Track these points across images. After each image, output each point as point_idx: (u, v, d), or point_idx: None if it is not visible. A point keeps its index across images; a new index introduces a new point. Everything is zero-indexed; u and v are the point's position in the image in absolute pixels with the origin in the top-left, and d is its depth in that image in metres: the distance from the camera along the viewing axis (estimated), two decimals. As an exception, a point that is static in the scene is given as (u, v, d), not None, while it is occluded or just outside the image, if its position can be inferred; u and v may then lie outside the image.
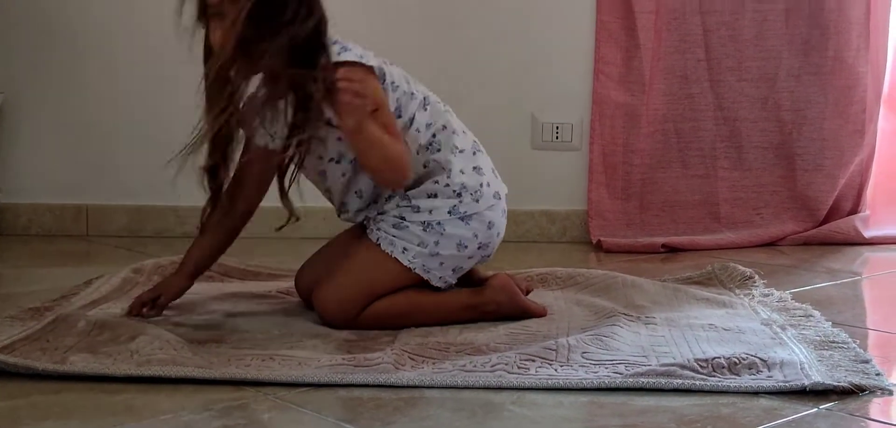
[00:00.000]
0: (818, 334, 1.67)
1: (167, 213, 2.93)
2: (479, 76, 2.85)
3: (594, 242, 2.78)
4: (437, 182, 1.75)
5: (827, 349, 1.58)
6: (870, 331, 1.84)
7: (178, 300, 1.84)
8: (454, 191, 1.75)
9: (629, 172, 2.84)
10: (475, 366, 1.49)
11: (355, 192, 1.80)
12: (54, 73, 2.93)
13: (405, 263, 1.74)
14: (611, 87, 2.83)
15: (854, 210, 2.85)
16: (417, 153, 1.76)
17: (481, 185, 1.77)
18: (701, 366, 1.46)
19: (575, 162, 2.86)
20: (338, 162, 1.77)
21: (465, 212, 1.75)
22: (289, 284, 2.06)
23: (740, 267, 2.16)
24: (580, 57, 2.84)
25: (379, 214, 1.79)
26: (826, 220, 2.83)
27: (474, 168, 1.78)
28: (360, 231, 1.85)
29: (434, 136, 1.77)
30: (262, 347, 1.60)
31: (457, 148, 1.77)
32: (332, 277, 1.77)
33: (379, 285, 1.74)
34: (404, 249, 1.74)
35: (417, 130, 1.76)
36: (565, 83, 2.87)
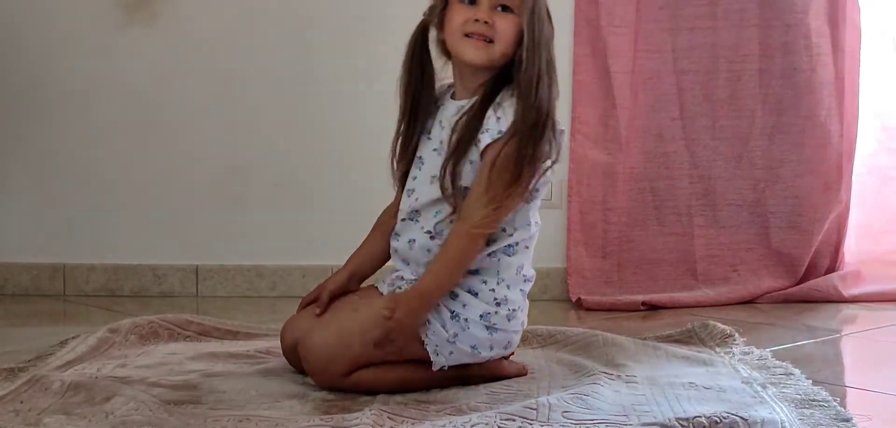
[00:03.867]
0: (799, 393, 1.67)
1: (145, 271, 2.91)
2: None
3: (574, 300, 2.79)
4: (485, 283, 1.70)
5: (808, 408, 1.58)
6: (849, 389, 1.84)
7: (153, 361, 1.81)
8: (495, 299, 1.70)
9: (607, 230, 2.85)
10: (455, 426, 1.48)
11: (428, 233, 1.71)
12: (29, 130, 2.92)
13: (422, 336, 1.67)
14: (588, 147, 2.85)
15: (832, 268, 2.88)
16: (492, 242, 1.69)
17: (518, 309, 1.73)
18: (682, 424, 1.45)
19: (554, 220, 2.86)
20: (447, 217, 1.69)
21: (495, 324, 1.70)
22: (267, 343, 2.04)
23: (720, 325, 2.16)
24: (559, 116, 2.86)
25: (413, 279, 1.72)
26: (804, 277, 2.85)
27: (520, 290, 1.74)
28: (371, 293, 1.80)
29: (517, 243, 1.72)
30: (238, 408, 1.58)
31: (521, 266, 1.73)
32: (327, 325, 1.70)
33: (370, 348, 1.65)
34: (427, 322, 1.67)
35: (514, 227, 1.71)
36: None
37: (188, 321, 2.21)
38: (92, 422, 1.48)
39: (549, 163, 1.68)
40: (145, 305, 2.70)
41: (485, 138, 1.65)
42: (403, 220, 1.76)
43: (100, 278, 2.91)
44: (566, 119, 2.87)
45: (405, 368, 1.69)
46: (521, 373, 1.81)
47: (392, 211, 1.84)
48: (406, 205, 1.76)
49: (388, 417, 1.53)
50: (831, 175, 2.86)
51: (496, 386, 1.73)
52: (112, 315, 2.44)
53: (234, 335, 2.19)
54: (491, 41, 1.68)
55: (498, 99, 1.68)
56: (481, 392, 1.69)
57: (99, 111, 2.91)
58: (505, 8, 1.68)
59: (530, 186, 1.67)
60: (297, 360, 1.77)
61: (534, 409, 1.56)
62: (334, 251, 2.90)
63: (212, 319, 2.25)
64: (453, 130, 1.68)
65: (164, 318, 2.19)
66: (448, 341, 1.69)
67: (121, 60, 2.90)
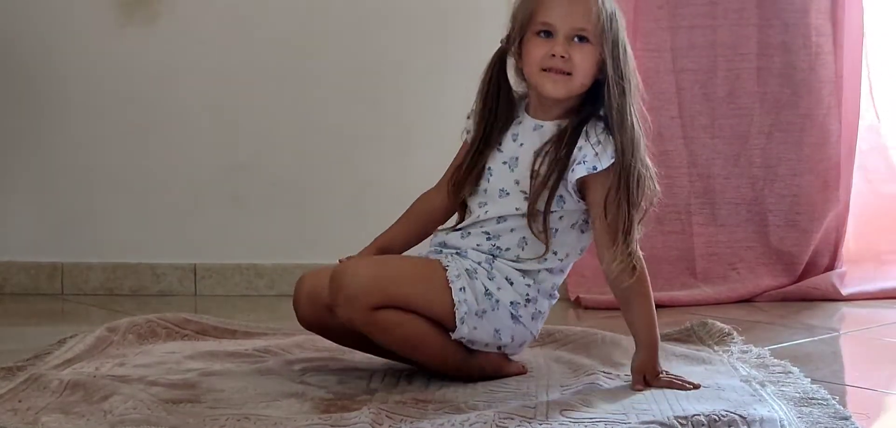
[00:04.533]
0: (798, 391, 1.67)
1: (143, 270, 2.91)
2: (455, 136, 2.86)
3: (572, 298, 2.78)
4: (523, 275, 1.74)
5: (806, 406, 1.58)
6: (848, 387, 1.84)
7: (152, 360, 1.82)
8: (526, 296, 1.74)
9: (606, 229, 2.85)
10: (453, 425, 1.48)
11: (485, 234, 1.74)
12: (28, 130, 2.92)
13: (455, 298, 1.68)
14: (588, 146, 2.84)
15: (831, 266, 2.87)
16: (548, 251, 1.73)
17: (542, 314, 1.78)
18: (681, 423, 1.45)
19: (553, 219, 2.86)
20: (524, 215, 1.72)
21: (520, 316, 1.74)
22: (266, 342, 2.04)
23: (718, 323, 2.16)
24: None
25: (458, 252, 1.75)
26: (803, 275, 2.85)
27: (548, 300, 1.78)
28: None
29: (567, 256, 1.77)
30: (237, 407, 1.58)
31: (555, 284, 1.78)
32: (374, 261, 1.72)
33: (413, 297, 1.67)
34: (463, 287, 1.70)
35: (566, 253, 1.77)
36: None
37: (187, 320, 2.21)
38: (90, 421, 1.48)
39: (654, 199, 1.74)
40: (143, 303, 2.70)
41: (580, 170, 1.68)
42: (465, 226, 1.78)
43: (98, 277, 2.90)
44: (565, 118, 2.87)
45: (428, 326, 1.69)
46: (521, 372, 1.81)
47: (435, 204, 1.85)
48: (474, 215, 1.77)
49: (387, 416, 1.53)
50: (830, 174, 2.86)
51: (494, 384, 1.73)
52: (110, 314, 2.44)
53: (232, 334, 2.19)
54: (569, 74, 1.68)
55: (587, 128, 1.69)
56: (479, 391, 1.68)
57: (97, 110, 2.91)
58: (582, 38, 1.68)
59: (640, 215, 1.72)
60: (309, 308, 1.76)
61: (532, 408, 1.56)
62: (333, 250, 2.90)
63: (210, 318, 2.25)
64: (539, 161, 1.70)
65: (163, 317, 2.19)
66: (476, 315, 1.70)
67: (120, 60, 2.90)
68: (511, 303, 1.73)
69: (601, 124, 1.70)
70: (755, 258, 2.86)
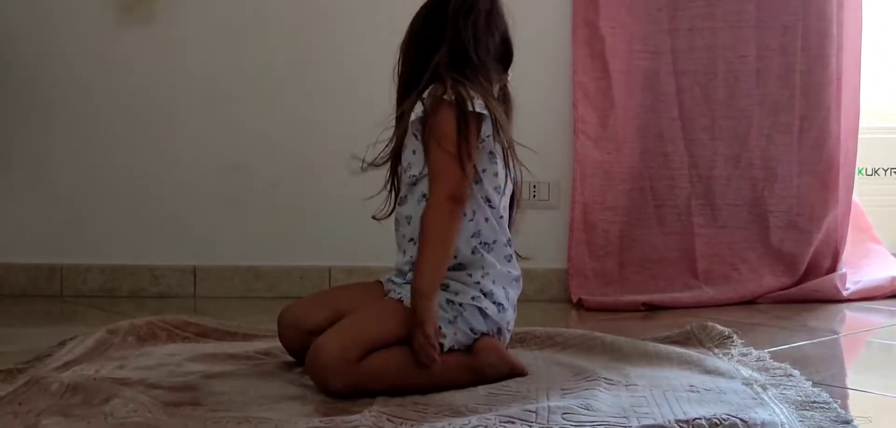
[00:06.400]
0: (799, 394, 1.66)
1: (142, 272, 2.90)
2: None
3: (575, 300, 2.78)
4: (470, 276, 1.77)
5: (808, 410, 1.58)
6: (850, 390, 1.84)
7: (152, 362, 1.82)
8: (481, 290, 1.77)
9: (608, 231, 2.85)
10: (454, 428, 1.47)
11: (411, 241, 1.79)
12: (27, 131, 2.91)
13: None
14: (589, 147, 2.85)
15: (833, 268, 2.87)
16: (472, 237, 1.77)
17: (504, 304, 1.79)
18: (682, 427, 1.45)
19: (552, 221, 2.86)
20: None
21: (485, 308, 1.76)
22: (266, 345, 2.04)
23: (719, 326, 2.15)
24: (555, 116, 2.87)
25: (404, 282, 1.78)
26: (805, 277, 2.85)
27: (504, 288, 1.79)
28: (374, 289, 1.85)
29: (495, 241, 1.79)
30: (238, 410, 1.58)
31: (503, 265, 1.80)
32: (332, 330, 1.74)
33: (386, 331, 1.69)
34: None
35: (486, 220, 1.78)
36: (541, 143, 2.88)
37: (187, 322, 2.20)
38: (91, 423, 1.47)
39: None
40: (143, 305, 2.70)
41: (416, 112, 1.77)
42: (398, 240, 1.86)
43: (97, 279, 2.90)
44: (567, 120, 2.87)
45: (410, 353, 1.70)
46: (524, 373, 1.80)
47: None
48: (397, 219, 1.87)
49: (388, 419, 1.52)
50: (829, 175, 2.86)
51: (495, 387, 1.72)
52: (109, 316, 2.43)
53: (232, 336, 2.19)
54: None
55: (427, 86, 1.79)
56: (480, 394, 1.68)
57: (96, 112, 2.91)
58: None
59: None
60: (296, 340, 1.82)
61: (533, 411, 1.56)
62: (332, 252, 2.91)
63: (211, 320, 2.24)
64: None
65: (163, 319, 2.19)
66: (449, 322, 1.74)
67: (118, 61, 2.90)
68: (472, 298, 1.75)
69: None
70: (757, 259, 2.87)
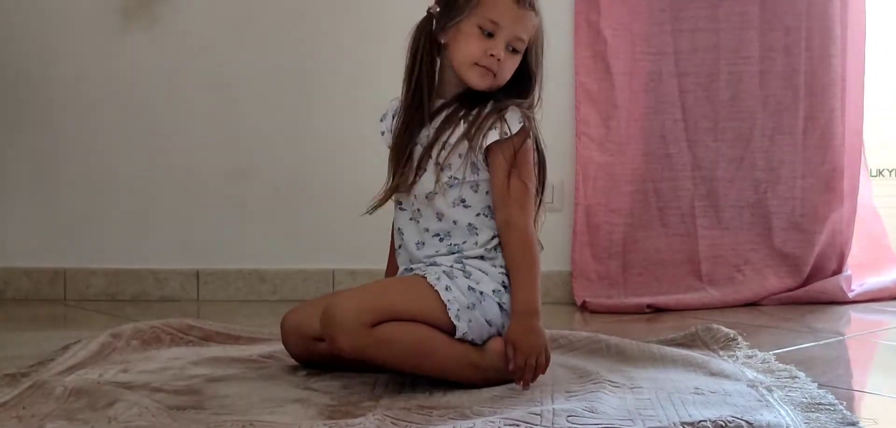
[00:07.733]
0: (805, 396, 1.66)
1: (146, 276, 2.90)
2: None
3: (578, 302, 2.78)
4: (495, 265, 1.78)
5: (814, 411, 1.57)
6: (855, 392, 1.84)
7: (156, 366, 1.82)
8: (502, 282, 1.78)
9: (611, 232, 2.85)
10: (459, 431, 1.47)
11: (436, 236, 1.80)
12: (30, 135, 2.91)
13: (444, 297, 1.71)
14: (592, 149, 2.84)
15: (838, 270, 2.87)
16: (493, 236, 1.79)
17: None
18: (687, 429, 1.45)
19: (555, 223, 2.86)
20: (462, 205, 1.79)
21: (503, 302, 1.77)
22: (270, 348, 2.04)
23: (723, 328, 2.15)
24: (558, 118, 2.86)
25: (430, 264, 1.78)
26: (810, 278, 2.84)
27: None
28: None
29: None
30: (241, 413, 1.58)
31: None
32: (352, 289, 1.75)
33: (402, 304, 1.69)
34: (448, 287, 1.72)
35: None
36: (544, 145, 2.88)
37: (190, 326, 2.20)
38: (94, 428, 1.47)
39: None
40: (146, 309, 2.70)
41: (492, 135, 1.76)
42: (418, 241, 1.84)
43: (100, 283, 2.90)
44: (570, 122, 2.87)
45: (428, 328, 1.70)
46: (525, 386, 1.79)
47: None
48: (421, 221, 1.83)
49: (392, 422, 1.52)
50: (833, 176, 2.86)
51: (500, 390, 1.72)
52: (113, 320, 2.43)
53: (236, 340, 2.19)
54: (495, 74, 1.79)
55: (500, 106, 1.79)
56: (485, 396, 1.68)
57: (99, 115, 2.91)
58: (515, 49, 1.80)
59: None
60: (299, 346, 1.84)
61: (538, 414, 1.55)
62: (335, 255, 2.91)
63: (214, 323, 2.24)
64: (449, 132, 1.78)
65: (167, 322, 2.19)
66: (468, 308, 1.73)
67: (121, 65, 2.90)
68: (493, 291, 1.76)
69: (511, 105, 1.79)
70: (761, 260, 2.86)
